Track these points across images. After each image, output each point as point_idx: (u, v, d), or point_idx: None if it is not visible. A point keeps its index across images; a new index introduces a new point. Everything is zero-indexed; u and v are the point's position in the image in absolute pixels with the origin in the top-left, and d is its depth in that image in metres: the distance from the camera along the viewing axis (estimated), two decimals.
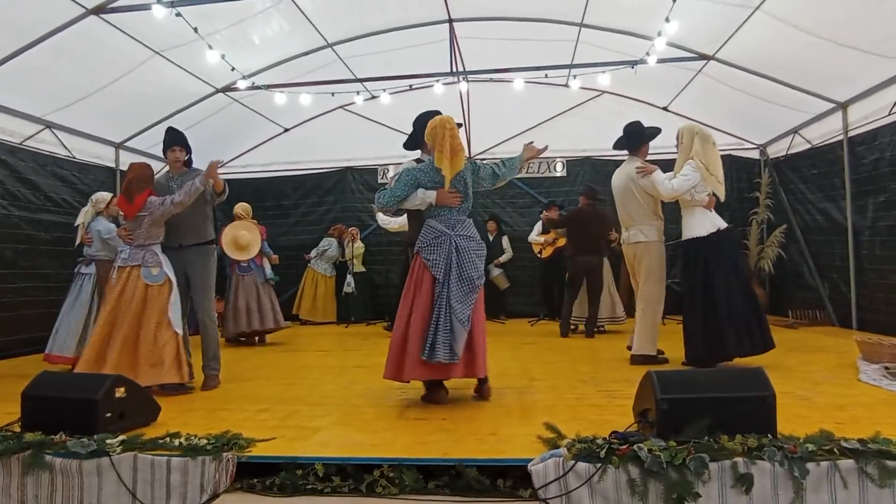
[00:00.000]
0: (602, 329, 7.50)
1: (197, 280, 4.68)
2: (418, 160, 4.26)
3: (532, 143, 4.25)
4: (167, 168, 5.03)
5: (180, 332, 4.39)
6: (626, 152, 5.50)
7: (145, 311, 4.34)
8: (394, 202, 3.96)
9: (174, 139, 4.89)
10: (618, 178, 5.40)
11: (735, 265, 4.91)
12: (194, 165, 4.98)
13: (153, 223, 4.50)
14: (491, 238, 9.30)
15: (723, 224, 4.92)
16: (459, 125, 4.12)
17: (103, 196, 6.03)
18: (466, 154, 4.11)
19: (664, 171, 5.03)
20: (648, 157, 5.35)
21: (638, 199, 5.16)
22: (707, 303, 4.71)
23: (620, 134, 5.49)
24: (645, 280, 5.18)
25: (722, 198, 4.99)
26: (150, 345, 4.25)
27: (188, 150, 4.96)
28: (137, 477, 2.74)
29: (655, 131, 5.39)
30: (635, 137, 5.37)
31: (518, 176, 5.11)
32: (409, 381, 3.86)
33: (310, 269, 9.85)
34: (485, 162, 4.22)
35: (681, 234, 5.10)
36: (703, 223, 4.86)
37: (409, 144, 4.53)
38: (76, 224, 6.00)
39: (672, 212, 5.33)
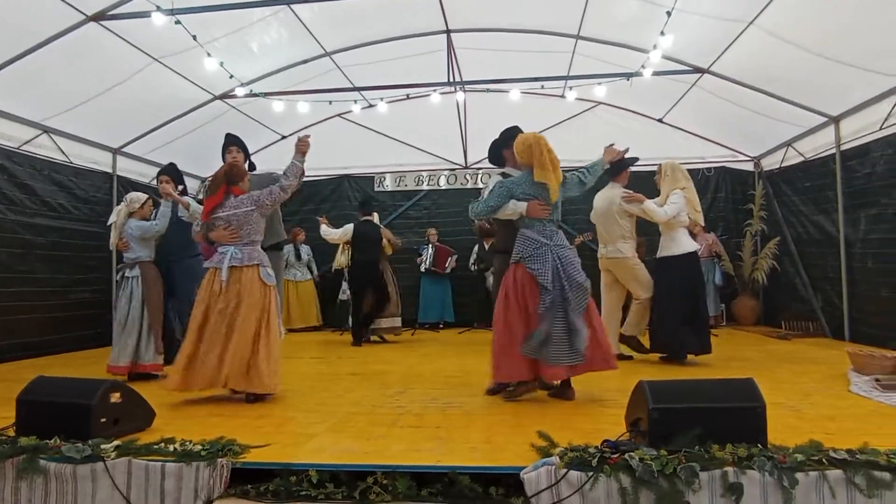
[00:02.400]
0: None
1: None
2: (504, 174, 4.56)
3: (613, 144, 4.46)
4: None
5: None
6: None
7: (268, 315, 4.24)
8: (488, 212, 4.24)
9: (231, 140, 5.01)
10: (600, 201, 6.02)
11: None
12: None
13: (262, 216, 4.38)
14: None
15: (697, 245, 5.93)
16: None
17: (138, 196, 5.66)
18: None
19: (650, 187, 5.93)
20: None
21: (619, 222, 5.82)
22: (690, 307, 5.56)
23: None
24: (636, 286, 5.84)
25: (702, 224, 6.37)
26: (271, 349, 4.21)
27: (246, 153, 5.06)
28: (132, 482, 2.74)
29: (633, 160, 5.80)
30: (617, 165, 5.71)
31: None
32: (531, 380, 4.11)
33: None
34: (570, 172, 4.38)
35: (657, 248, 5.90)
36: (688, 242, 5.75)
37: (493, 158, 4.79)
38: (109, 223, 5.66)
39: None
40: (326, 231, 8.13)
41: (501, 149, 4.65)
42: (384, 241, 8.24)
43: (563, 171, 4.25)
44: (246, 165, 5.14)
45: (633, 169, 5.93)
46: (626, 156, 5.77)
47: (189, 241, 5.23)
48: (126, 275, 5.50)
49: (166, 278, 5.65)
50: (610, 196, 5.88)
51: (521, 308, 4.09)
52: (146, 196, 5.74)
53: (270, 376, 4.19)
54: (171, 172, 5.77)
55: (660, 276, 5.76)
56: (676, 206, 5.61)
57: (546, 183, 4.10)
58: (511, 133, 4.50)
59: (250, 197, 4.40)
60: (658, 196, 5.87)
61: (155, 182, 6.08)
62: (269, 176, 5.02)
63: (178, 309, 5.58)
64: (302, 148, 4.48)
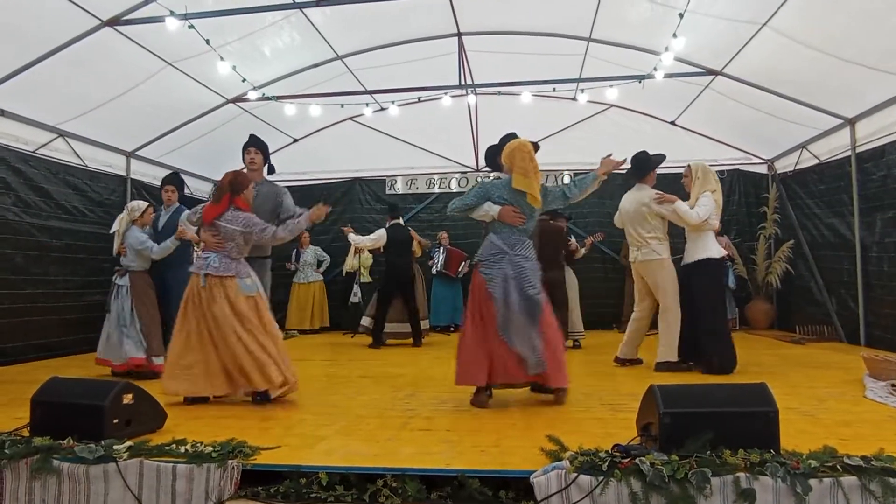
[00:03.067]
0: (578, 345, 7.45)
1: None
2: (499, 178, 4.50)
3: (610, 155, 4.38)
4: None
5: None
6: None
7: (250, 321, 4.28)
8: (463, 209, 4.24)
9: (251, 141, 5.15)
10: (628, 203, 5.82)
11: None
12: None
13: (246, 242, 4.48)
14: None
15: (724, 251, 5.65)
16: (537, 148, 4.35)
17: (139, 205, 5.94)
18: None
19: (670, 189, 5.67)
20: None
21: (651, 223, 5.63)
22: (720, 314, 5.40)
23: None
24: (664, 295, 5.56)
25: (717, 227, 5.80)
26: (273, 351, 4.28)
27: (265, 155, 5.17)
28: (143, 483, 2.76)
29: (660, 158, 5.74)
30: (643, 167, 5.74)
31: None
32: (483, 385, 4.09)
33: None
34: (557, 184, 4.34)
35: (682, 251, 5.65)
36: (716, 247, 5.47)
37: (490, 163, 4.85)
38: (112, 231, 5.96)
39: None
40: (356, 238, 8.06)
41: (497, 155, 4.58)
42: (414, 243, 8.29)
43: (561, 178, 4.24)
44: (266, 169, 5.22)
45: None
46: (652, 154, 5.79)
47: (185, 250, 5.36)
48: (116, 282, 5.84)
49: (162, 285, 5.83)
50: (638, 197, 5.71)
51: (474, 312, 4.08)
52: (147, 204, 5.99)
53: (270, 372, 4.21)
54: (175, 181, 6.00)
55: (689, 283, 5.48)
56: (707, 209, 5.34)
57: (524, 191, 4.06)
58: (507, 139, 4.46)
59: (245, 221, 4.44)
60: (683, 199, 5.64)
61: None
62: (277, 191, 5.13)
63: (171, 315, 5.71)
64: (315, 217, 4.55)
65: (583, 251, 8.16)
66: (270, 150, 5.34)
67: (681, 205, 5.40)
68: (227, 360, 4.23)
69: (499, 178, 4.39)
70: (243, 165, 5.18)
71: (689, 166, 5.67)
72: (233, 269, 4.36)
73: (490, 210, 4.12)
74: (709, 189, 5.47)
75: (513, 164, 4.13)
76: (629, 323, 6.03)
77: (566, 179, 9.91)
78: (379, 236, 7.99)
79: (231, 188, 4.48)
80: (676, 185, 5.98)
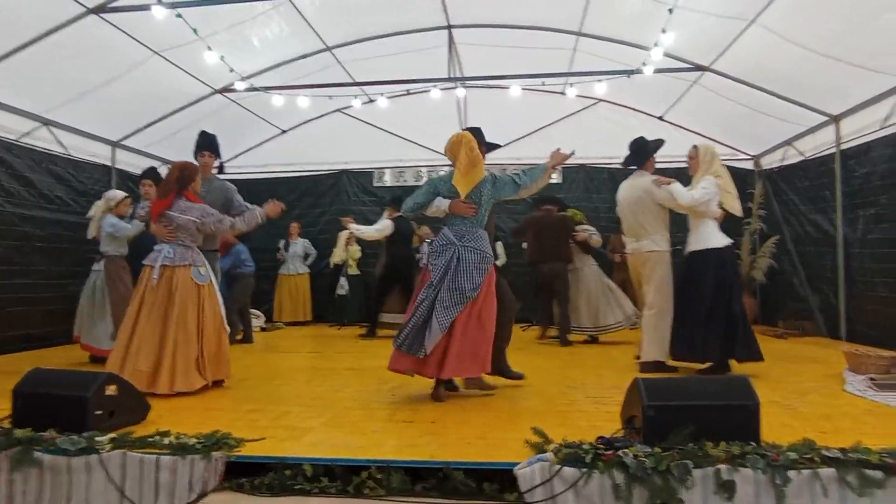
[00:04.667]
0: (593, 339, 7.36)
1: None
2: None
3: (559, 149, 4.34)
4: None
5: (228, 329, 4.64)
6: (618, 162, 5.60)
7: (204, 311, 4.38)
8: (415, 208, 4.27)
9: (203, 143, 5.27)
10: (628, 191, 5.49)
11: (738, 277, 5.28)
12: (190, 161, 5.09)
13: (199, 232, 4.54)
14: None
15: (729, 239, 5.19)
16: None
17: (116, 194, 6.09)
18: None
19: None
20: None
21: (653, 211, 5.30)
22: (725, 308, 4.89)
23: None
24: (657, 289, 5.27)
25: (739, 212, 5.38)
26: (216, 344, 4.40)
27: (217, 155, 5.29)
28: (126, 475, 2.74)
29: (659, 143, 5.54)
30: (642, 152, 5.52)
31: None
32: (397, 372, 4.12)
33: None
34: (506, 172, 4.36)
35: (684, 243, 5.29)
36: (718, 235, 5.08)
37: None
38: (87, 215, 6.16)
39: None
40: (360, 228, 7.97)
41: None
42: (414, 235, 8.34)
43: (505, 171, 4.24)
44: (216, 169, 5.38)
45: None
46: (650, 140, 5.53)
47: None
48: (92, 268, 6.08)
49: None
50: (639, 184, 5.36)
51: (412, 301, 4.15)
52: (124, 194, 6.12)
53: (220, 364, 4.43)
54: (152, 175, 6.19)
55: (686, 275, 5.15)
56: (706, 192, 4.94)
57: (455, 185, 4.10)
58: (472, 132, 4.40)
59: (200, 211, 4.51)
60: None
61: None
62: (225, 189, 5.22)
63: None
64: (270, 212, 4.78)
65: (595, 238, 7.55)
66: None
67: (676, 186, 5.02)
68: (181, 351, 4.26)
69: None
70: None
71: (695, 147, 5.33)
72: (188, 258, 4.43)
73: (440, 205, 4.16)
74: (712, 174, 5.09)
75: (454, 156, 4.18)
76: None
77: (554, 174, 9.88)
78: (384, 227, 7.94)
79: (179, 184, 4.53)
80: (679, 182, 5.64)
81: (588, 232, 7.42)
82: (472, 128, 4.53)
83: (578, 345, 7.04)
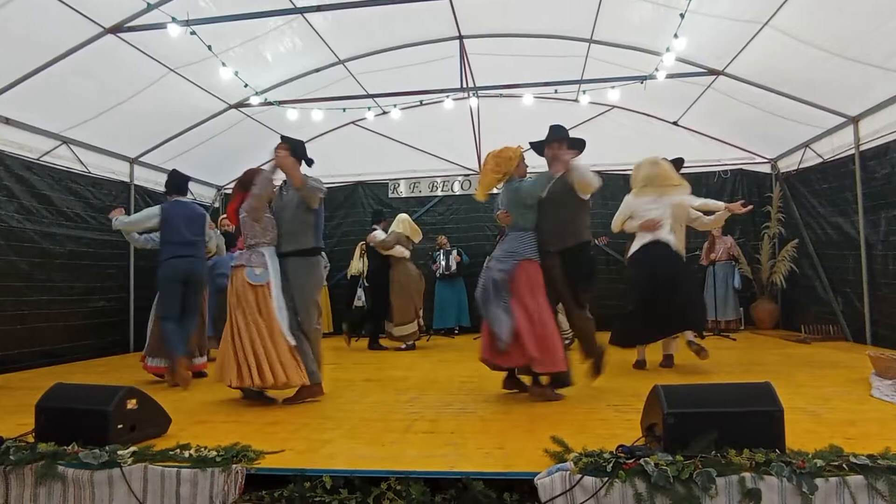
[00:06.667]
0: None
1: (294, 289, 4.56)
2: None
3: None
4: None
5: (291, 340, 4.34)
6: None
7: (255, 313, 4.31)
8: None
9: (281, 138, 4.98)
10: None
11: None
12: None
13: (255, 221, 4.51)
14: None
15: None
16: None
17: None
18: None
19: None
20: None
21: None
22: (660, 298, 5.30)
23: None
24: None
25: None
26: (265, 349, 4.26)
27: (295, 151, 4.81)
28: (147, 488, 2.77)
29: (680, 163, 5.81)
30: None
31: None
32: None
33: None
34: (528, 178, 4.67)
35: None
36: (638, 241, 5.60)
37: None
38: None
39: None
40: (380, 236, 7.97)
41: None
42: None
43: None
44: (302, 164, 4.86)
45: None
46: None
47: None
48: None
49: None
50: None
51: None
52: None
53: (278, 374, 4.24)
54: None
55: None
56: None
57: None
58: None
59: (247, 203, 4.58)
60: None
61: None
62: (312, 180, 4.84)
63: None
64: (275, 161, 4.59)
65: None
66: (273, 155, 5.19)
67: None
68: (245, 352, 4.28)
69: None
70: (258, 165, 5.11)
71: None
72: (244, 259, 4.47)
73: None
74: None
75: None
76: None
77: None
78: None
79: (241, 185, 4.74)
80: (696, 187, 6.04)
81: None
82: (556, 126, 4.96)
83: None
